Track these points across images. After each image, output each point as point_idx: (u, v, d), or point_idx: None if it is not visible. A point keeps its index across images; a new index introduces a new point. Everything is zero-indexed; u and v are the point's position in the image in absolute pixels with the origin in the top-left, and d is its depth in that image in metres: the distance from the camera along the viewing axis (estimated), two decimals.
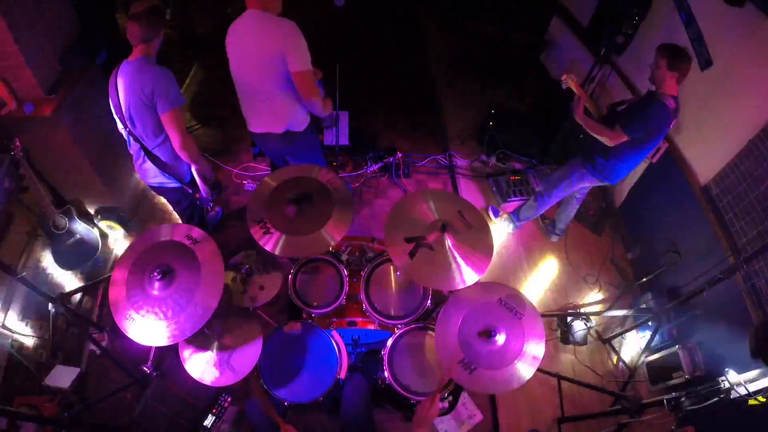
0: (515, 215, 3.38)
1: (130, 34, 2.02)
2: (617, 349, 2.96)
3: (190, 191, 2.42)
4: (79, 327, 2.56)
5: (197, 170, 2.33)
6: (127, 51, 2.07)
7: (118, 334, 2.58)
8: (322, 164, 2.74)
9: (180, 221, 2.83)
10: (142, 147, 2.18)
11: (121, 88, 2.07)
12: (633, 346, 2.97)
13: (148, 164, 2.24)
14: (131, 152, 2.30)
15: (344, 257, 2.33)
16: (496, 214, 3.52)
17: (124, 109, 2.10)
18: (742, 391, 1.81)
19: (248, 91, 2.30)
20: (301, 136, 2.46)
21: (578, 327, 2.94)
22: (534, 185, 3.74)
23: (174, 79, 2.06)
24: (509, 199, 3.63)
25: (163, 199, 3.36)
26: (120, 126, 2.19)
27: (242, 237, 3.20)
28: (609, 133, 2.56)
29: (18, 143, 2.39)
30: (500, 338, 1.75)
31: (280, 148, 2.49)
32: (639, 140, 2.52)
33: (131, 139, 2.20)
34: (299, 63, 2.08)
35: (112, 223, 3.04)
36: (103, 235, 2.98)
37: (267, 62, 2.11)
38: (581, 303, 3.17)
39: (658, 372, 2.75)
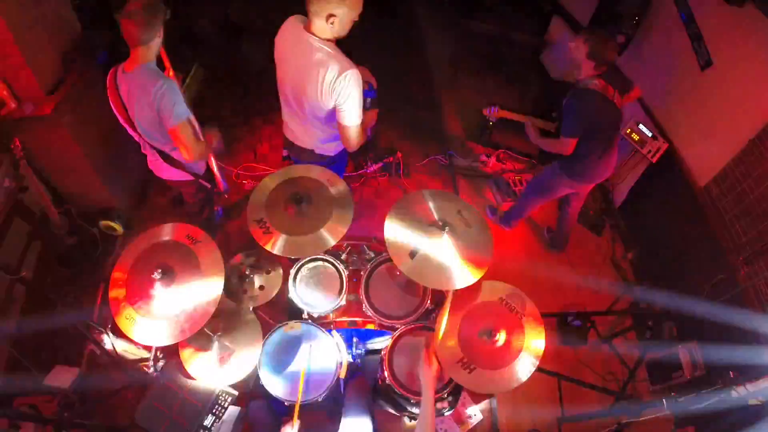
0: (508, 216, 3.38)
1: (126, 34, 1.89)
2: (617, 349, 2.96)
3: (209, 186, 2.40)
4: (79, 327, 2.56)
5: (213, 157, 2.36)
6: (128, 51, 2.02)
7: (118, 334, 2.58)
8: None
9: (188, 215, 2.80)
10: (159, 151, 2.18)
11: (126, 100, 2.01)
12: (633, 346, 2.97)
13: (164, 163, 2.25)
14: (144, 152, 2.29)
15: (344, 257, 2.33)
16: (493, 214, 3.52)
17: (136, 122, 2.05)
18: (742, 391, 1.81)
19: (289, 105, 2.16)
20: (333, 158, 2.36)
21: (577, 326, 2.94)
22: None
23: (177, 90, 1.98)
24: (509, 200, 3.63)
25: (163, 200, 3.36)
26: (134, 134, 2.17)
27: (242, 237, 3.20)
28: (558, 146, 2.49)
29: (18, 143, 2.39)
30: (500, 338, 1.75)
31: (309, 161, 2.37)
32: (588, 131, 2.43)
33: (147, 145, 2.17)
34: (349, 118, 1.95)
35: (112, 223, 3.04)
36: (103, 235, 2.98)
37: (316, 103, 1.98)
38: (581, 303, 3.17)
39: (658, 372, 2.75)
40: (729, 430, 2.23)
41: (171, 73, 2.38)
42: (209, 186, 2.42)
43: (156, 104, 1.94)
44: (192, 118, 2.11)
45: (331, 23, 1.80)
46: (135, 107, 2.00)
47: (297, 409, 1.70)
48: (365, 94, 2.12)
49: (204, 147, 2.18)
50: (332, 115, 2.03)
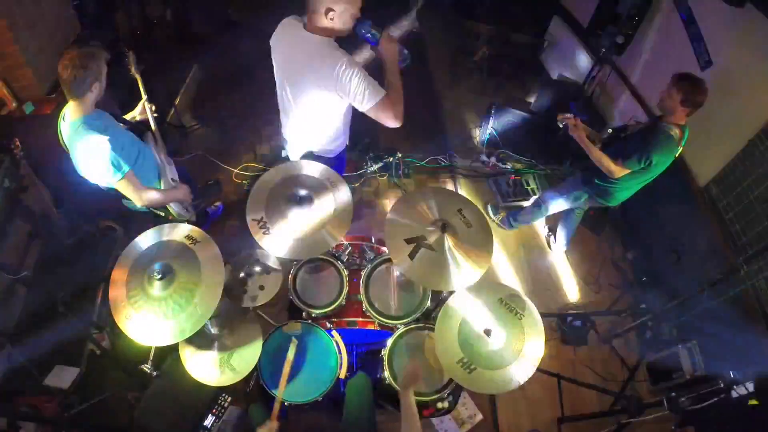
0: (512, 217, 3.38)
1: (60, 82, 1.86)
2: (617, 349, 2.96)
3: (162, 214, 2.39)
4: (79, 327, 2.56)
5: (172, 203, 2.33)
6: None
7: (118, 334, 2.58)
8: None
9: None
10: None
11: (68, 146, 2.02)
12: (633, 345, 2.97)
13: None
14: None
15: (344, 257, 2.33)
16: (496, 213, 3.52)
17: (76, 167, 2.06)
18: (742, 391, 1.81)
19: (289, 106, 2.13)
20: (333, 157, 2.32)
21: (577, 326, 2.94)
22: (535, 186, 3.75)
23: (109, 145, 1.90)
24: (509, 200, 3.63)
25: None
26: None
27: (242, 237, 3.20)
28: (613, 167, 2.46)
29: (18, 143, 2.39)
30: (500, 338, 1.75)
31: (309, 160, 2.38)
32: (641, 169, 2.44)
33: None
34: (370, 98, 1.85)
35: (112, 223, 3.04)
36: (103, 235, 2.98)
37: (321, 100, 1.95)
38: (581, 303, 3.17)
39: (658, 372, 2.75)
40: (729, 430, 2.23)
41: (143, 103, 2.32)
42: (162, 214, 2.39)
43: (88, 167, 1.96)
44: (131, 172, 2.03)
45: (330, 18, 1.78)
46: (79, 166, 2.02)
47: (276, 408, 1.70)
48: (360, 24, 1.85)
49: (158, 195, 2.19)
50: (337, 110, 2.01)
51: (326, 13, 1.77)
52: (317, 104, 1.98)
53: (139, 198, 2.09)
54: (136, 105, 2.34)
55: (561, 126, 2.65)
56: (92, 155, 1.92)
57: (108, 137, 1.92)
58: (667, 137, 2.30)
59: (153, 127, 2.32)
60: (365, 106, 1.88)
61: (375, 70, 1.91)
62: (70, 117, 1.95)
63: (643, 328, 2.88)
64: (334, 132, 2.16)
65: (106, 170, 1.94)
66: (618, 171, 2.45)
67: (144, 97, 2.29)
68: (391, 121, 1.91)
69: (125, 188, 2.04)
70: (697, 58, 2.67)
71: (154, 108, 2.29)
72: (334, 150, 2.30)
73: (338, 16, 1.79)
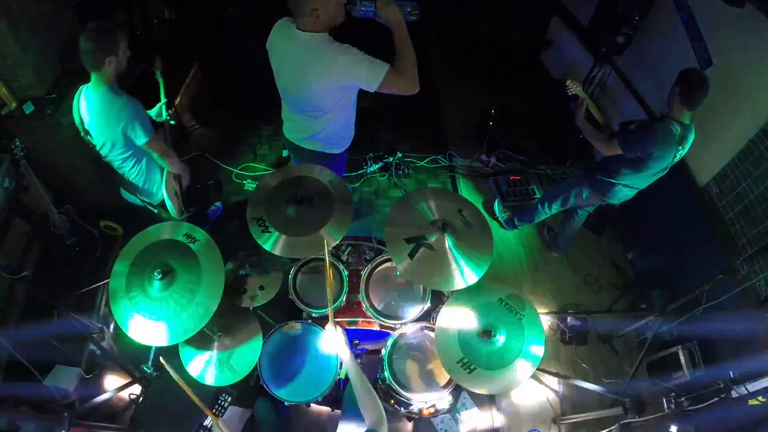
0: (516, 218, 3.38)
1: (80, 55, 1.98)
2: (617, 349, 2.96)
3: (163, 216, 2.48)
4: (80, 327, 2.56)
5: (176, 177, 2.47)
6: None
7: (118, 334, 2.58)
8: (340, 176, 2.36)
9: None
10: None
11: (88, 117, 2.12)
12: (633, 345, 2.97)
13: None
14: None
15: (344, 257, 2.33)
16: (501, 210, 3.52)
17: (95, 138, 2.18)
18: (742, 391, 1.82)
19: (296, 107, 2.13)
20: (335, 156, 2.33)
21: (577, 326, 2.95)
22: (535, 185, 3.75)
23: (140, 109, 2.12)
24: (509, 200, 3.63)
25: None
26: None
27: (242, 237, 3.20)
28: (605, 144, 2.49)
29: (18, 143, 2.38)
30: (500, 338, 1.75)
31: (310, 160, 2.34)
32: (638, 160, 2.43)
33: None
34: (373, 81, 1.83)
35: (112, 223, 3.04)
36: (103, 235, 2.98)
37: (329, 95, 1.96)
38: (581, 303, 3.17)
39: (658, 372, 2.75)
40: (729, 430, 2.23)
41: (161, 106, 2.55)
42: (163, 216, 2.54)
43: (122, 123, 2.07)
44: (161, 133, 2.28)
45: (317, 16, 1.78)
46: (99, 126, 2.12)
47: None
48: (350, 6, 1.80)
49: (176, 159, 2.37)
50: (343, 104, 2.02)
51: (312, 13, 1.77)
52: (322, 102, 1.99)
53: (167, 157, 2.30)
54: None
55: (569, 94, 2.63)
56: (122, 116, 2.05)
57: (134, 103, 2.08)
58: (666, 131, 2.30)
59: (166, 127, 2.53)
60: (373, 87, 1.87)
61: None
62: (93, 88, 2.06)
63: (643, 328, 2.88)
64: (339, 129, 2.16)
65: (138, 130, 2.09)
66: (609, 148, 2.47)
67: (164, 100, 2.49)
68: (405, 91, 1.90)
69: (154, 147, 2.22)
70: (697, 58, 2.67)
71: (170, 112, 2.46)
72: (339, 146, 2.30)
73: (324, 12, 1.78)
